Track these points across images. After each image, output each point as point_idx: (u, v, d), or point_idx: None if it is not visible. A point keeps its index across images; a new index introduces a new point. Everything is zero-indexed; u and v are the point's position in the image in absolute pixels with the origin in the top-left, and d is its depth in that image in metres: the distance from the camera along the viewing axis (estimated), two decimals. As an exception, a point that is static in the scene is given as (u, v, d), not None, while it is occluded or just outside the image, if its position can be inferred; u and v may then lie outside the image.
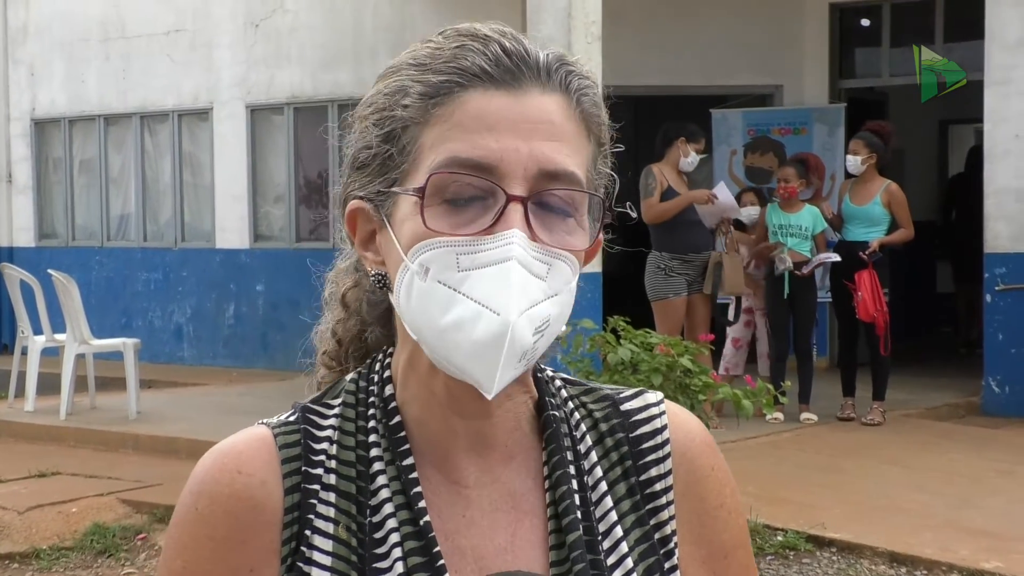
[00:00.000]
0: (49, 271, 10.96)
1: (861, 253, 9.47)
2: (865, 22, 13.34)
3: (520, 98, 1.26)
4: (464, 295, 1.22)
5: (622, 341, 6.98)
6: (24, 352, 10.94)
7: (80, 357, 10.52)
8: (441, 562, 1.26)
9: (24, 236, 16.35)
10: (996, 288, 10.18)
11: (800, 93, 13.04)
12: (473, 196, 1.24)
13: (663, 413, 1.41)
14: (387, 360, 1.36)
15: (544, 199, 1.25)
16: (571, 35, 9.67)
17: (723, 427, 8.82)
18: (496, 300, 1.21)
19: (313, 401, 1.36)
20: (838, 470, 8.23)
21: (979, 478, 8.06)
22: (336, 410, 1.34)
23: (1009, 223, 10.17)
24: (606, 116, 1.35)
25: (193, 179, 14.95)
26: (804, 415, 9.67)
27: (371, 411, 1.33)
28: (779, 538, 6.67)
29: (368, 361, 1.39)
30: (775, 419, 9.32)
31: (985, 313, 10.51)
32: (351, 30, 13.56)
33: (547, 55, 1.29)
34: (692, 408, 6.76)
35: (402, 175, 1.28)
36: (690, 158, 9.48)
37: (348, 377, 1.38)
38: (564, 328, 1.30)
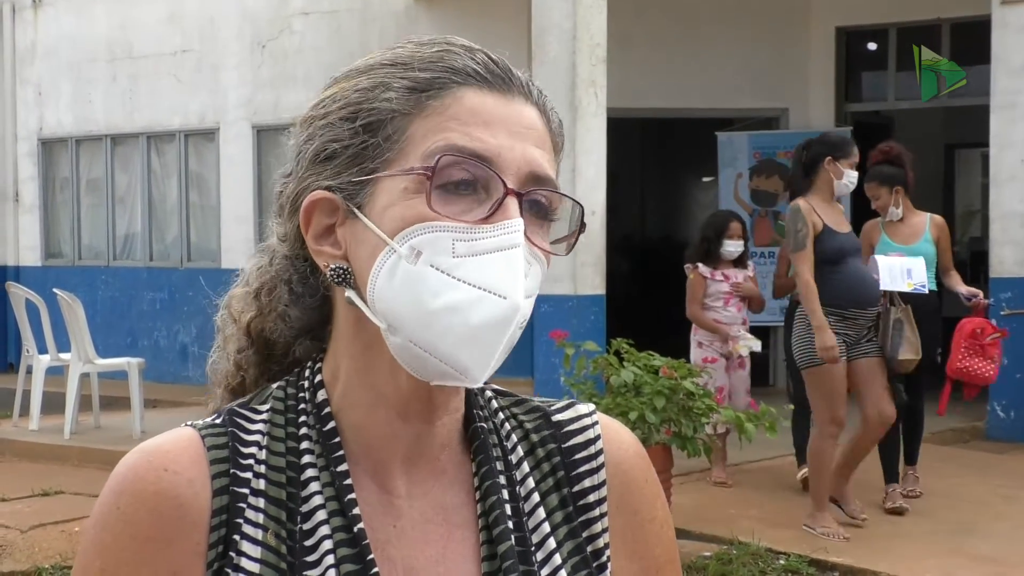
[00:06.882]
0: (54, 290, 10.98)
1: (974, 300, 8.11)
2: (872, 46, 13.38)
3: (511, 102, 1.27)
4: (460, 280, 1.20)
5: (625, 363, 6.96)
6: (29, 371, 10.95)
7: (85, 376, 10.52)
8: (375, 570, 1.23)
9: (30, 255, 16.39)
10: (1001, 312, 10.15)
11: (806, 116, 13.07)
12: (467, 184, 1.23)
13: (596, 424, 1.40)
14: (317, 366, 1.34)
15: (535, 198, 1.26)
16: (576, 57, 9.68)
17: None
18: (502, 285, 1.20)
19: (239, 405, 1.32)
20: (842, 494, 8.19)
21: (983, 503, 8.03)
22: (264, 415, 1.31)
23: (1015, 248, 10.16)
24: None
25: (199, 199, 14.99)
26: (802, 474, 8.30)
27: (302, 418, 1.30)
28: (782, 562, 6.64)
29: (296, 370, 1.36)
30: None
31: (990, 338, 10.44)
32: (357, 51, 13.52)
33: (521, 72, 1.31)
34: (695, 431, 6.74)
35: (385, 163, 1.25)
36: (844, 179, 7.20)
37: (274, 384, 1.35)
38: None
